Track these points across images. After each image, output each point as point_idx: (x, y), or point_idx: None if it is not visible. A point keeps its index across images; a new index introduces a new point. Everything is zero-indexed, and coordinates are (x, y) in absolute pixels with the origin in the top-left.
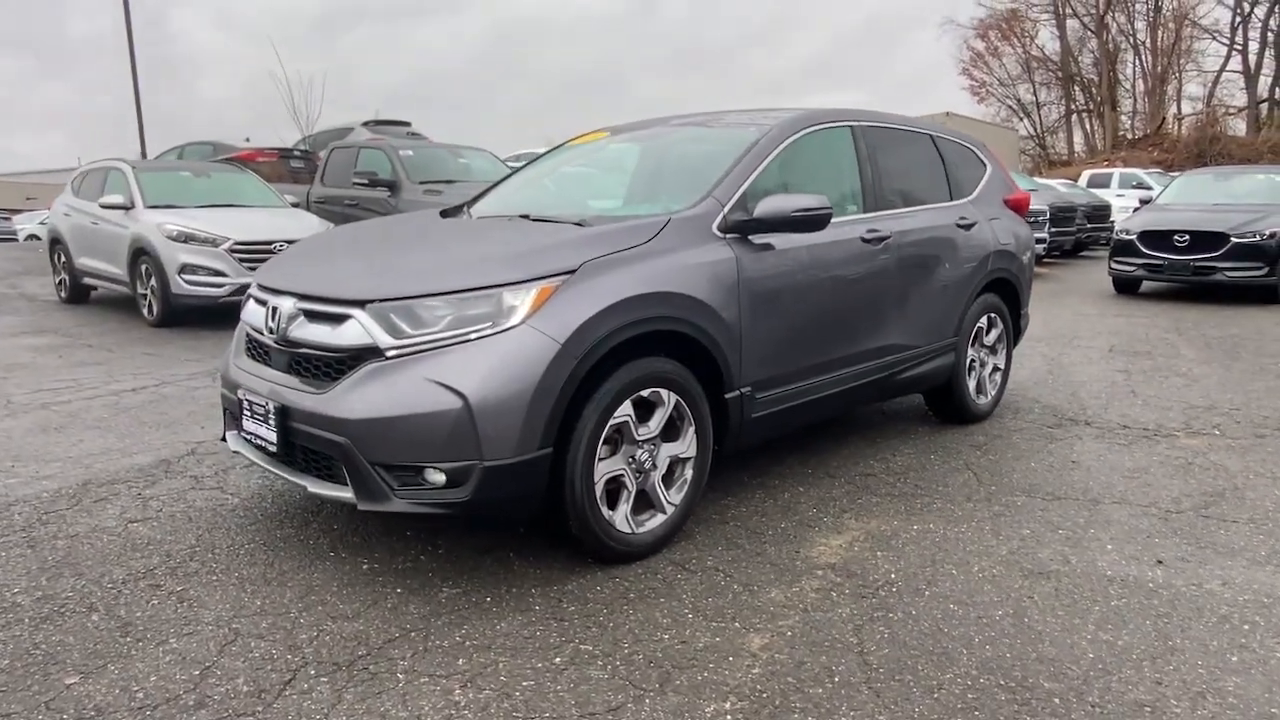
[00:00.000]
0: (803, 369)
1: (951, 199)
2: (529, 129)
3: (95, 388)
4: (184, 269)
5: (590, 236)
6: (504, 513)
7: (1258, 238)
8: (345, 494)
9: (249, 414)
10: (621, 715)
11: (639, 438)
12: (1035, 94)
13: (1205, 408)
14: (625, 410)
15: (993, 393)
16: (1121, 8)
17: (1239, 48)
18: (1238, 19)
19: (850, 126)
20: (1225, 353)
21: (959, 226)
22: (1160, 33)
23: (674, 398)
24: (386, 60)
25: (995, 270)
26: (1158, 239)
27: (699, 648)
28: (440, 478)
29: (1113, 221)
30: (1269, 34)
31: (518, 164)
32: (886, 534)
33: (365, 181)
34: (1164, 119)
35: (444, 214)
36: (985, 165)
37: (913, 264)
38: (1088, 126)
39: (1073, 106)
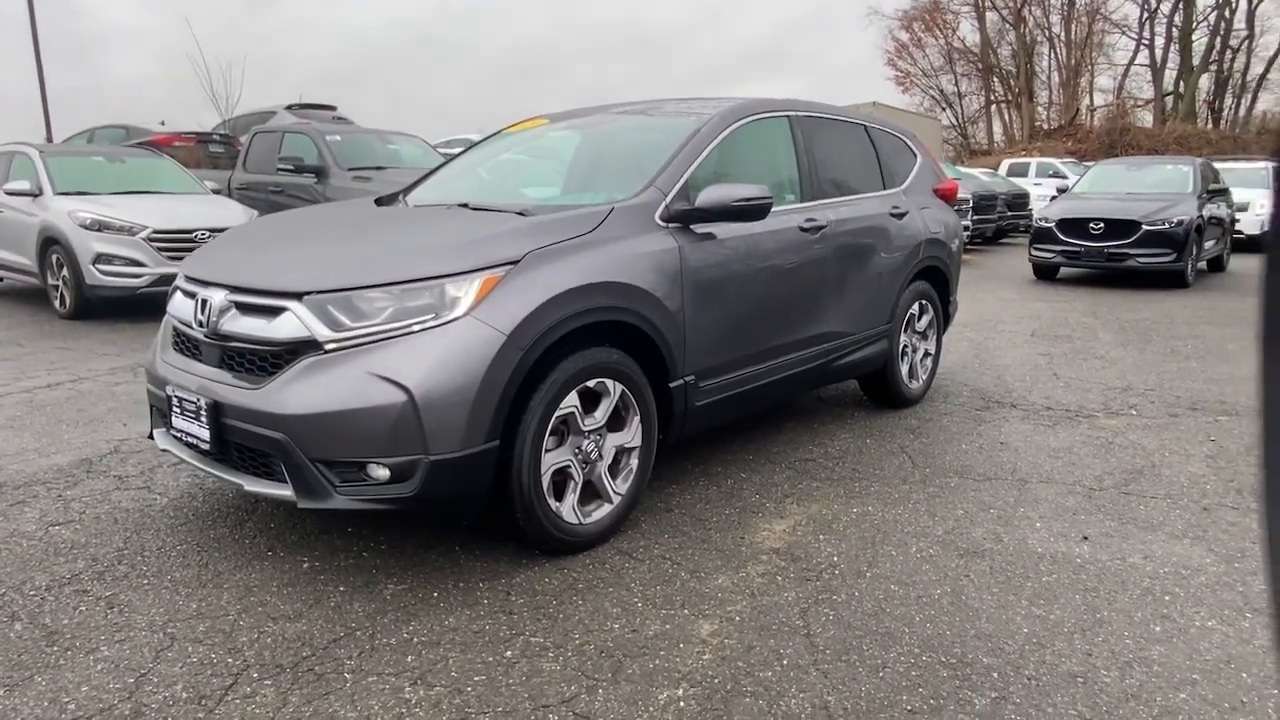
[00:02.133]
0: (745, 357)
1: (884, 188)
2: (461, 114)
3: (6, 385)
4: (98, 259)
5: (534, 226)
6: (450, 507)
7: (1166, 225)
8: (284, 492)
9: (179, 411)
10: (575, 705)
11: (585, 428)
12: (957, 85)
13: (1122, 389)
14: (571, 401)
15: (924, 377)
16: (1038, 2)
17: (1146, 42)
18: (1145, 14)
19: (788, 116)
20: (1139, 336)
21: (892, 215)
22: (1074, 26)
23: (619, 388)
24: (311, 41)
25: (926, 258)
26: (1075, 226)
27: (649, 635)
28: (384, 473)
29: (1031, 210)
30: (1174, 29)
31: (450, 150)
32: (827, 518)
33: (291, 168)
34: (1078, 110)
35: (379, 202)
36: (916, 155)
37: (849, 252)
38: (1006, 117)
39: (992, 97)
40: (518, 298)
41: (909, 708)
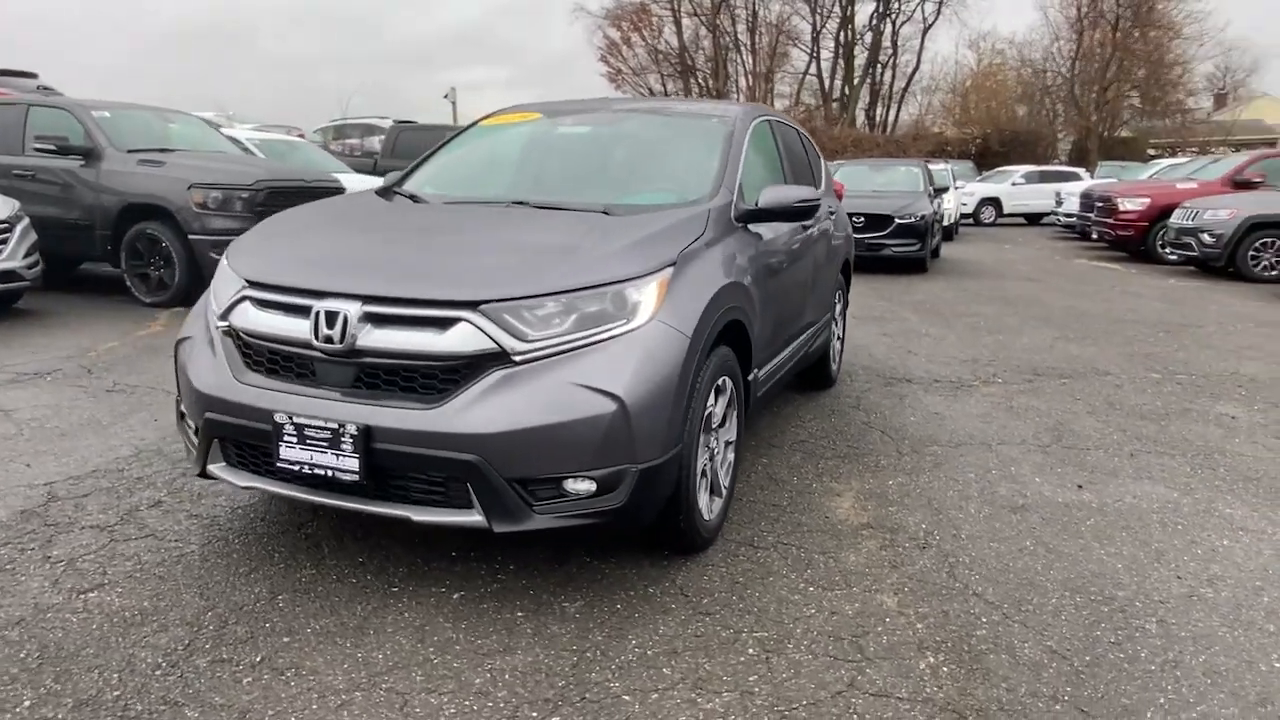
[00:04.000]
0: (777, 347)
1: (818, 187)
2: (126, 87)
3: None
4: None
5: (672, 226)
6: (643, 516)
7: (913, 219)
8: (470, 518)
9: (295, 441)
10: (862, 688)
11: (713, 426)
12: (663, 84)
13: (970, 361)
14: (710, 400)
15: (838, 359)
16: (728, 13)
17: (814, 55)
18: (814, 31)
19: (768, 120)
20: (935, 316)
21: (830, 211)
22: (758, 36)
23: (730, 384)
24: None
25: (847, 250)
26: None
27: (853, 615)
28: (588, 486)
29: None
30: (839, 45)
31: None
32: (875, 492)
33: (52, 148)
34: None
35: (380, 196)
36: (820, 156)
37: (822, 246)
38: None
39: (693, 98)
40: (686, 299)
41: (1110, 640)
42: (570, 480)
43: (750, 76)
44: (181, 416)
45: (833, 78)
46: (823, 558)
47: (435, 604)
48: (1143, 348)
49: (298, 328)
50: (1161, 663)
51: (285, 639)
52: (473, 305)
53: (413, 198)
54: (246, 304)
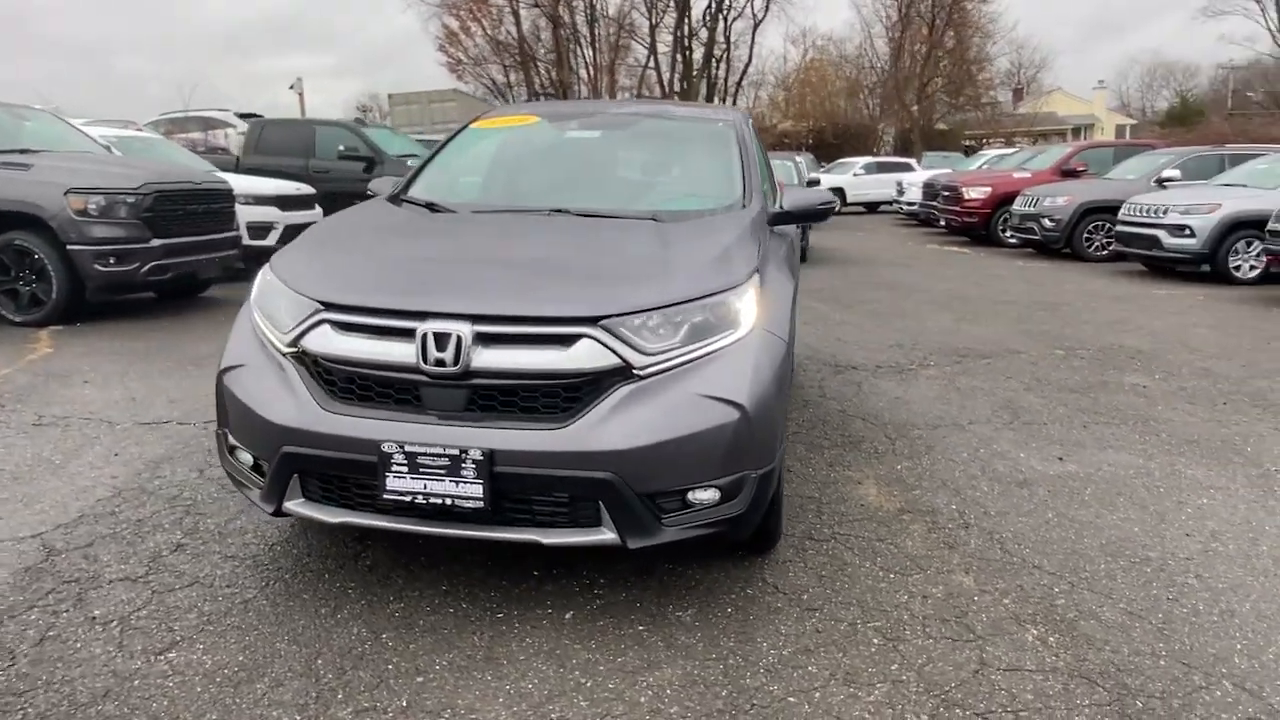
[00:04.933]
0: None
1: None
2: None
3: None
4: None
5: (741, 235)
6: (755, 520)
7: None
8: (603, 536)
9: (406, 470)
10: (989, 666)
11: None
12: (506, 75)
13: (895, 346)
14: None
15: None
16: (567, 6)
17: (653, 50)
18: (651, 25)
19: (748, 122)
20: (836, 303)
21: None
22: (600, 29)
23: None
24: None
25: (798, 246)
26: None
27: (942, 596)
28: (711, 495)
29: None
30: (676, 39)
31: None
32: (891, 477)
33: None
34: None
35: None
36: None
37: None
38: None
39: (536, 90)
40: (774, 305)
41: (1169, 597)
42: (695, 491)
43: (591, 69)
44: (232, 450)
45: (672, 71)
46: (883, 544)
47: (552, 626)
48: (1035, 326)
49: (399, 351)
50: (1220, 612)
51: (419, 679)
52: (593, 321)
53: (431, 206)
54: (325, 328)
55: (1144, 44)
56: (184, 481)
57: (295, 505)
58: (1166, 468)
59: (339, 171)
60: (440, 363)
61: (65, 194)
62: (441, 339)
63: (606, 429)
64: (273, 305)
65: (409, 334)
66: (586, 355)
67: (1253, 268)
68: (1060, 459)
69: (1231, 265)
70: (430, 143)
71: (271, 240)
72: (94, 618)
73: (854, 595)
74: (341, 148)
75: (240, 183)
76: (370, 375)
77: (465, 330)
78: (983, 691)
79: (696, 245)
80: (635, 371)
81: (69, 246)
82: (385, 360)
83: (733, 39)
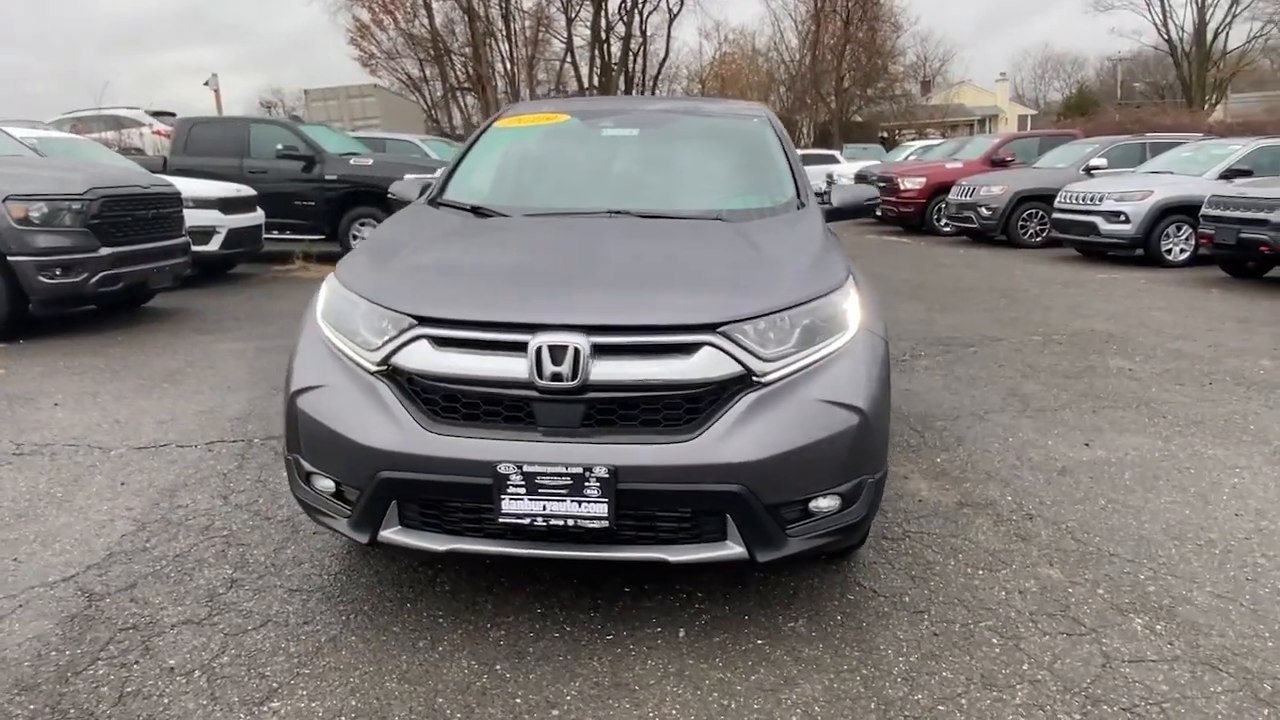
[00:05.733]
0: None
1: None
2: None
3: None
4: None
5: (824, 235)
6: (869, 525)
7: None
8: (731, 551)
9: (523, 492)
10: (1115, 659)
11: None
12: (422, 69)
13: None
14: None
15: None
16: (482, 1)
17: (569, 44)
18: (568, 19)
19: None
20: None
21: None
22: (515, 23)
23: None
24: None
25: None
26: None
27: (1036, 590)
28: (832, 503)
29: None
30: (594, 33)
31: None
32: (933, 471)
33: None
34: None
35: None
36: None
37: None
38: (463, 103)
39: (452, 84)
40: (870, 305)
41: (1247, 577)
42: (817, 499)
43: (508, 63)
44: (308, 478)
45: (590, 66)
46: (957, 540)
47: (668, 645)
48: (1004, 314)
49: (509, 367)
50: None
51: (554, 712)
52: (712, 328)
53: (477, 210)
54: (422, 343)
55: (1035, 38)
56: (210, 510)
57: (392, 534)
58: (1187, 449)
59: (277, 171)
60: (557, 377)
61: (4, 201)
62: (557, 352)
63: (736, 439)
64: (350, 321)
65: (519, 348)
66: (709, 364)
67: (1183, 251)
68: (1087, 444)
69: (1164, 249)
70: (361, 140)
71: (214, 246)
72: (171, 668)
73: (953, 594)
74: (280, 146)
75: (180, 185)
76: (477, 393)
77: (582, 342)
78: (1119, 686)
79: (788, 247)
80: (756, 379)
81: (10, 258)
82: (494, 376)
83: (649, 33)
